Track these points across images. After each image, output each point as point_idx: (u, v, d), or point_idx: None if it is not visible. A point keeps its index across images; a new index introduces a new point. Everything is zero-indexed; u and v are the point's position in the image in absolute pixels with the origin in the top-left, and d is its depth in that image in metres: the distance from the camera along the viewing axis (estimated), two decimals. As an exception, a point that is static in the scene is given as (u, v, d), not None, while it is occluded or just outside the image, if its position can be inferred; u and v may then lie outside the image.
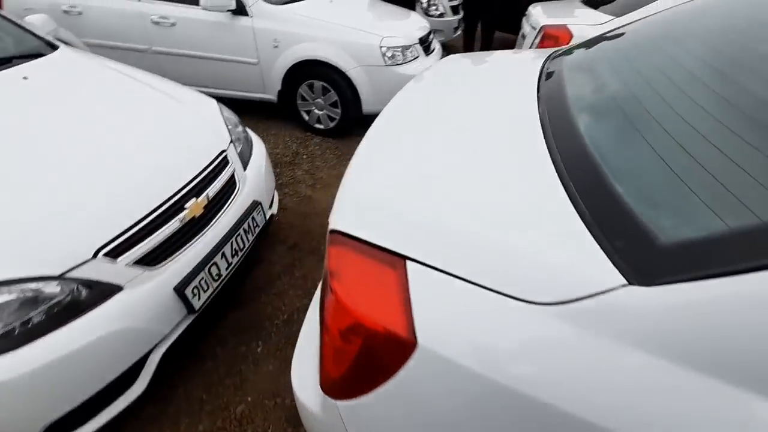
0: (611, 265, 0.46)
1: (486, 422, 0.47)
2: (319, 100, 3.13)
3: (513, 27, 5.77)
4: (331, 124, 3.22)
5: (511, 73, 1.24)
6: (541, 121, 0.81)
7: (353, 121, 3.18)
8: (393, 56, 2.96)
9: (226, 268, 1.46)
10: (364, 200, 0.68)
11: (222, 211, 1.48)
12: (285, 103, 3.22)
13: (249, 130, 1.96)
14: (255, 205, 1.65)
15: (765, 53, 0.69)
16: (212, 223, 1.42)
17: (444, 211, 0.61)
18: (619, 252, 0.47)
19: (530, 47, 2.68)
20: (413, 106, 1.06)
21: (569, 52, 1.26)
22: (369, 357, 0.55)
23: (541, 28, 2.56)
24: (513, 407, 0.45)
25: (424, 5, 4.94)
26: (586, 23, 2.45)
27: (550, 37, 2.51)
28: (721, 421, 0.38)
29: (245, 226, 1.57)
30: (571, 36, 2.42)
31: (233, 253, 1.50)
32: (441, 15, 5.08)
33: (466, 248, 0.54)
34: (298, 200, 2.52)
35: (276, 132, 3.29)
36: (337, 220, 0.67)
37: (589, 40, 1.34)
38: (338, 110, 3.12)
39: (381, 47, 2.88)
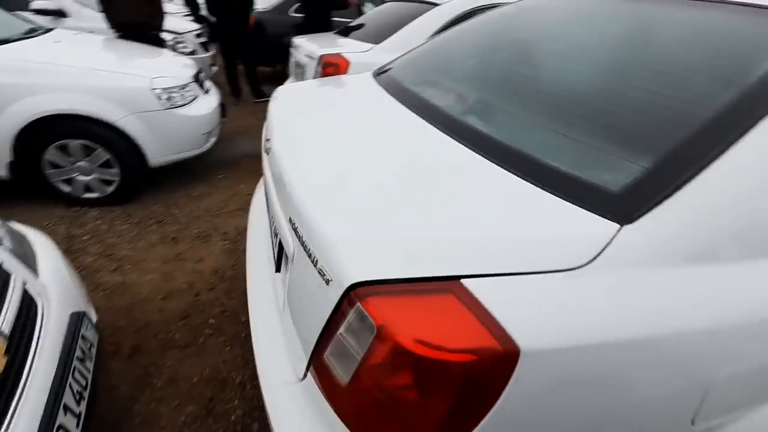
0: (602, 218, 0.61)
1: (610, 381, 0.54)
2: (81, 163, 2.42)
3: (268, 60, 6.02)
4: (110, 189, 2.55)
5: (362, 96, 1.33)
6: (437, 128, 0.94)
7: (140, 178, 2.62)
8: (170, 98, 2.59)
9: (78, 425, 0.98)
10: (371, 239, 0.62)
11: (35, 346, 0.98)
12: (25, 176, 2.33)
13: (12, 223, 1.35)
14: (78, 318, 1.16)
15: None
16: (28, 369, 0.92)
17: (452, 222, 0.63)
18: (598, 207, 0.62)
19: (314, 75, 2.87)
20: (309, 138, 1.00)
21: (390, 69, 1.47)
22: (468, 394, 0.52)
23: (320, 57, 2.79)
24: (631, 353, 0.54)
25: (171, 43, 4.49)
26: (354, 51, 2.83)
27: (330, 65, 2.77)
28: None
29: (78, 353, 1.09)
30: (347, 62, 2.74)
31: (77, 397, 1.02)
32: (192, 53, 4.75)
33: (496, 246, 0.59)
34: (108, 293, 1.90)
35: (22, 217, 2.31)
36: (355, 272, 0.57)
37: (404, 56, 1.58)
38: (115, 170, 2.50)
39: (153, 89, 2.48)
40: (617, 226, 0.60)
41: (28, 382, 0.89)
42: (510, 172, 0.74)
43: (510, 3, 3.14)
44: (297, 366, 0.83)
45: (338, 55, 2.75)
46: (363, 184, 0.76)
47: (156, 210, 2.64)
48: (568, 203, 0.65)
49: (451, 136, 0.90)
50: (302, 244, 0.69)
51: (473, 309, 0.53)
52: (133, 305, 1.84)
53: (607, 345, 0.54)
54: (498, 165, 0.77)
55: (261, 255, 1.23)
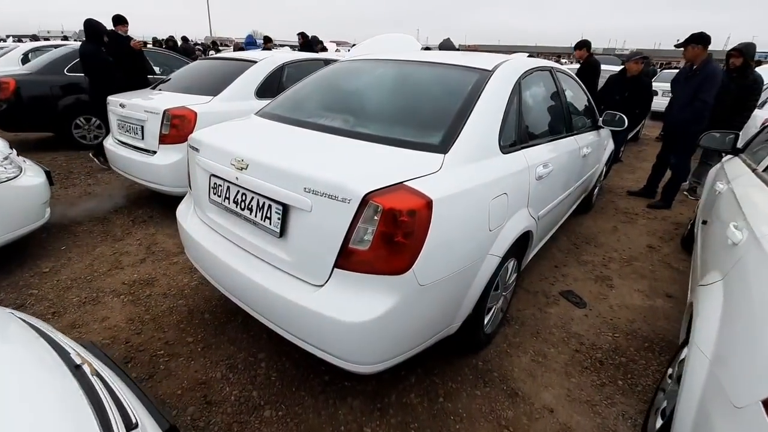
0: (437, 153, 1.49)
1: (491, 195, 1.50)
2: None
3: (36, 125, 5.20)
4: (-67, 289, 2.12)
5: (260, 125, 1.96)
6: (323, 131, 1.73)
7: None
8: (-4, 172, 2.38)
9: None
10: (360, 174, 1.30)
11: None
12: None
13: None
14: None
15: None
16: None
17: (391, 163, 1.41)
18: (434, 150, 1.51)
19: (160, 129, 3.05)
20: (262, 146, 1.67)
21: (264, 110, 2.14)
22: (422, 223, 1.28)
23: (164, 111, 3.01)
24: (462, 197, 1.41)
25: None
26: (196, 103, 3.17)
27: (177, 117, 3.03)
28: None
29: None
30: (195, 113, 3.07)
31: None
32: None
33: (409, 169, 1.38)
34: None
35: None
36: (364, 188, 1.23)
37: (271, 102, 2.25)
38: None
39: (-22, 165, 2.25)
40: (443, 155, 1.49)
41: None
42: (388, 145, 1.56)
43: (305, 59, 4.10)
44: (315, 279, 1.41)
45: (184, 107, 3.06)
46: (318, 157, 1.48)
47: (6, 298, 2.32)
48: (425, 152, 1.52)
49: (348, 136, 1.67)
50: (321, 195, 1.30)
51: (412, 191, 1.30)
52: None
53: (454, 194, 1.39)
54: (376, 143, 1.59)
55: (231, 254, 1.67)
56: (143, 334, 2.09)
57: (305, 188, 1.35)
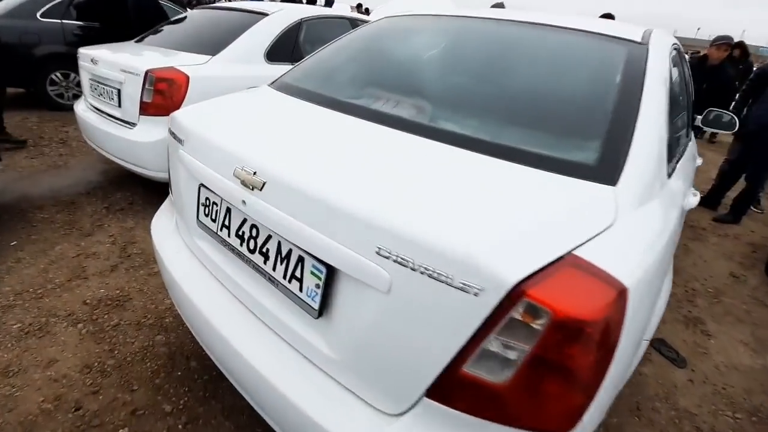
0: (598, 185, 0.83)
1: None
2: None
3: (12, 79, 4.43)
4: None
5: (283, 115, 1.25)
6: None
7: None
8: None
9: None
10: (498, 240, 0.65)
11: None
12: None
13: None
14: None
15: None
16: None
17: (540, 212, 0.75)
18: (579, 173, 0.85)
19: (141, 93, 2.33)
20: (302, 160, 0.93)
21: (290, 80, 1.46)
22: (609, 337, 0.65)
23: (146, 73, 2.29)
24: (672, 246, 0.80)
25: None
26: (190, 63, 2.44)
27: (163, 80, 2.31)
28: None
29: None
30: (186, 78, 2.35)
31: None
32: None
33: (573, 223, 0.74)
34: None
35: None
36: (513, 272, 0.61)
37: (296, 68, 1.57)
38: None
39: None
40: (611, 187, 0.83)
41: None
42: (503, 158, 0.91)
43: (329, 16, 3.35)
44: (381, 402, 0.79)
45: (172, 68, 2.33)
46: (397, 182, 0.81)
47: None
48: (573, 178, 0.84)
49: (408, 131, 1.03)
50: (416, 269, 0.65)
51: (593, 273, 0.65)
52: None
53: (647, 268, 0.75)
54: (481, 152, 0.94)
55: (228, 316, 1.02)
56: (102, 393, 1.48)
57: (379, 249, 0.69)
